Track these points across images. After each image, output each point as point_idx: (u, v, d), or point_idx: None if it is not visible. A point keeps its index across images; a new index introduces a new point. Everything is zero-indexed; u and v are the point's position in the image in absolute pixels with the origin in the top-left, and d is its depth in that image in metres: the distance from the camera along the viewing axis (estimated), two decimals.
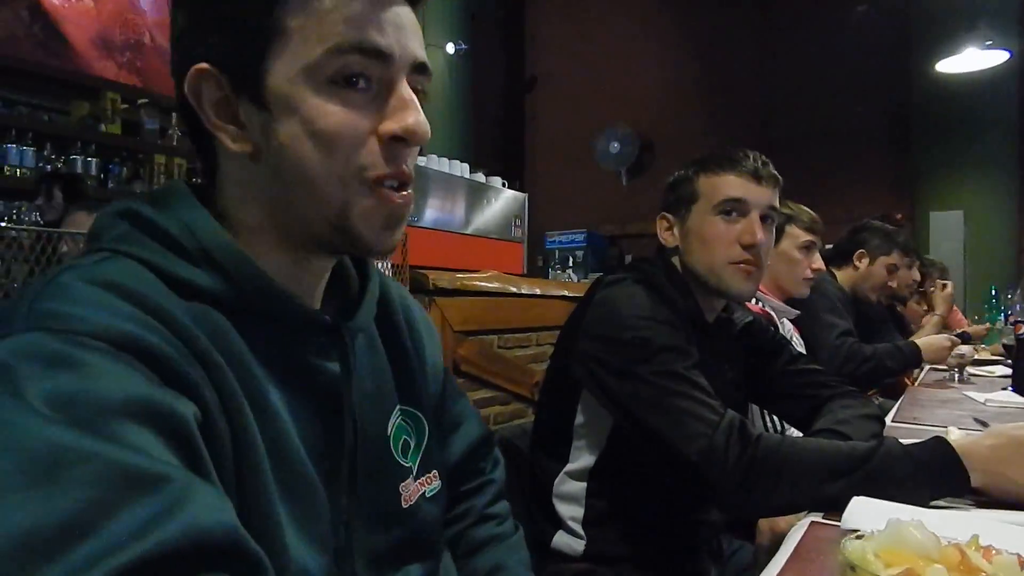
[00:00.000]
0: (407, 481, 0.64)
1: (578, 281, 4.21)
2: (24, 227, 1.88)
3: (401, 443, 0.65)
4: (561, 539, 1.10)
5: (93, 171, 3.63)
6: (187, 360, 0.45)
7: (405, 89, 0.53)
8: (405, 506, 0.63)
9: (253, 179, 0.54)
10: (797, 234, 1.87)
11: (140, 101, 3.92)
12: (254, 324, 0.52)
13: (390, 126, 0.52)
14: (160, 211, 0.52)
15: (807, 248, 1.87)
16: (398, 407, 0.66)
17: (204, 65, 0.52)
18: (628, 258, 6.05)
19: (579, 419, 1.11)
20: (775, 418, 1.58)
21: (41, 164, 3.43)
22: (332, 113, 0.51)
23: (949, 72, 4.50)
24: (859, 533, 0.44)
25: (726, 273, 1.11)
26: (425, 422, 0.68)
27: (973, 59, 4.27)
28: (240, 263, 0.52)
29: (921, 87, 5.18)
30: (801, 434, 1.24)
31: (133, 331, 0.43)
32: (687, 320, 1.09)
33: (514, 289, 2.60)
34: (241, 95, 0.52)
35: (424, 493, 0.66)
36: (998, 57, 4.23)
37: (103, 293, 0.45)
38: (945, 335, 2.30)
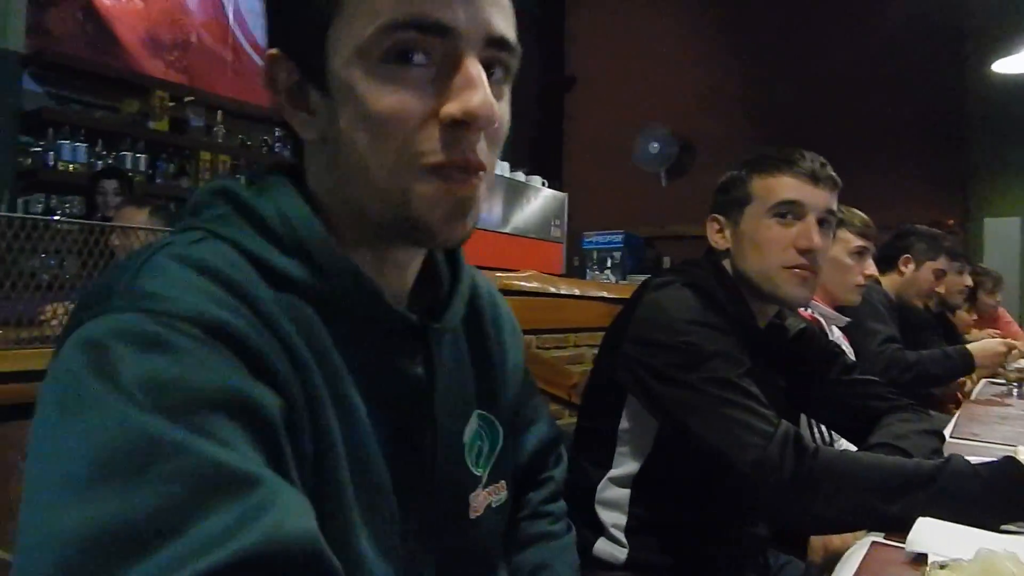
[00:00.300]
0: (476, 491, 0.62)
1: (616, 282, 4.17)
2: (76, 221, 1.93)
3: (475, 450, 0.63)
4: (603, 546, 1.08)
5: (142, 167, 3.72)
6: (276, 353, 0.44)
7: (471, 66, 0.47)
8: (472, 517, 0.61)
9: (324, 168, 0.52)
10: (849, 239, 1.80)
11: (187, 99, 4.01)
12: (340, 320, 0.50)
13: (449, 108, 0.47)
14: (258, 195, 0.51)
15: (859, 254, 1.80)
16: (476, 412, 0.63)
17: (274, 51, 0.50)
18: (666, 260, 5.97)
19: (623, 424, 1.09)
20: (823, 428, 1.53)
21: (92, 160, 3.52)
22: (384, 95, 0.46)
23: (1006, 72, 4.33)
24: (942, 562, 0.41)
25: (780, 278, 1.07)
26: (500, 428, 0.66)
27: None
28: (331, 256, 0.50)
29: (976, 88, 4.99)
30: (854, 447, 1.19)
31: (226, 318, 0.42)
32: (738, 326, 1.06)
33: (553, 289, 2.57)
34: (309, 81, 0.50)
35: (491, 504, 0.63)
36: None
37: (198, 277, 0.43)
38: (999, 340, 2.20)
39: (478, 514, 0.61)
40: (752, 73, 6.04)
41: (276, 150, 4.45)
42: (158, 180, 3.82)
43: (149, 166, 3.78)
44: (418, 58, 0.47)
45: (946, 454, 0.89)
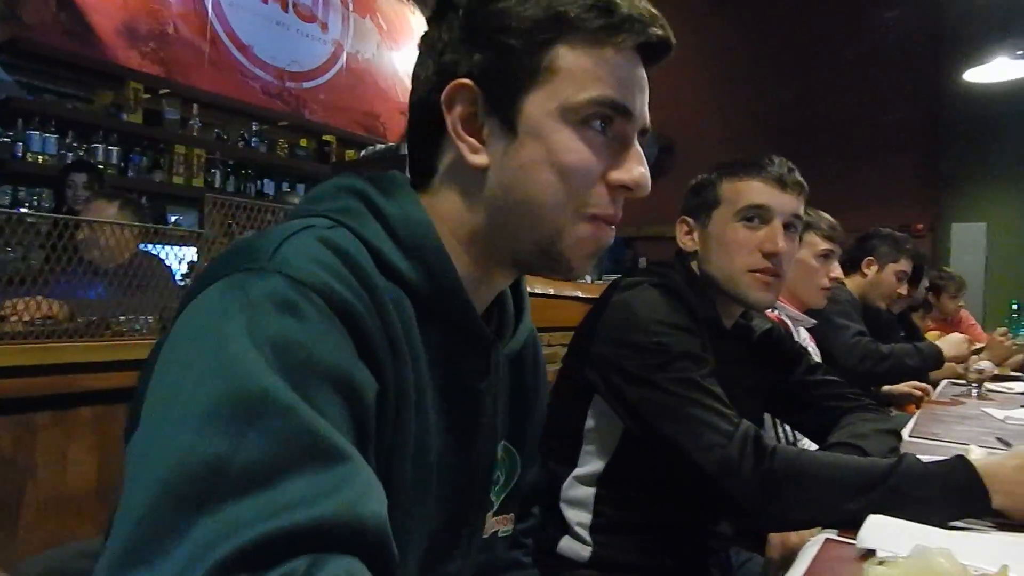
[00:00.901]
0: (488, 513, 0.66)
1: (592, 282, 4.19)
2: (42, 214, 1.89)
3: (495, 477, 0.66)
4: (567, 544, 1.09)
5: (114, 160, 3.66)
6: (382, 340, 0.48)
7: (637, 145, 0.58)
8: (485, 536, 0.65)
9: (479, 192, 0.57)
10: (815, 242, 1.83)
11: (162, 91, 3.95)
12: (433, 325, 0.55)
13: (622, 175, 0.57)
14: (385, 197, 0.56)
15: (825, 256, 1.83)
16: (503, 441, 0.67)
17: (467, 81, 0.56)
18: (642, 260, 6.01)
19: (589, 423, 1.10)
20: (787, 428, 1.56)
21: (62, 152, 3.46)
22: (577, 151, 0.55)
23: (977, 82, 4.42)
24: (882, 558, 0.42)
25: (744, 281, 1.09)
26: (520, 462, 0.70)
27: (1003, 69, 4.19)
28: (444, 266, 0.55)
29: (949, 97, 5.09)
30: (815, 445, 1.22)
31: (349, 298, 0.46)
32: (705, 326, 1.08)
33: (528, 289, 2.58)
34: (492, 114, 0.56)
35: (498, 532, 0.67)
36: None
37: (332, 256, 0.48)
38: (962, 336, 2.28)
39: (487, 535, 0.65)
40: (732, 78, 6.10)
41: (252, 145, 4.41)
42: (130, 173, 3.76)
43: (121, 159, 3.72)
44: (606, 129, 0.56)
45: (904, 453, 0.91)
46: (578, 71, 0.55)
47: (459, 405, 0.58)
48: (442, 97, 0.56)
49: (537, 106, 0.55)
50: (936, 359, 2.16)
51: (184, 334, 0.43)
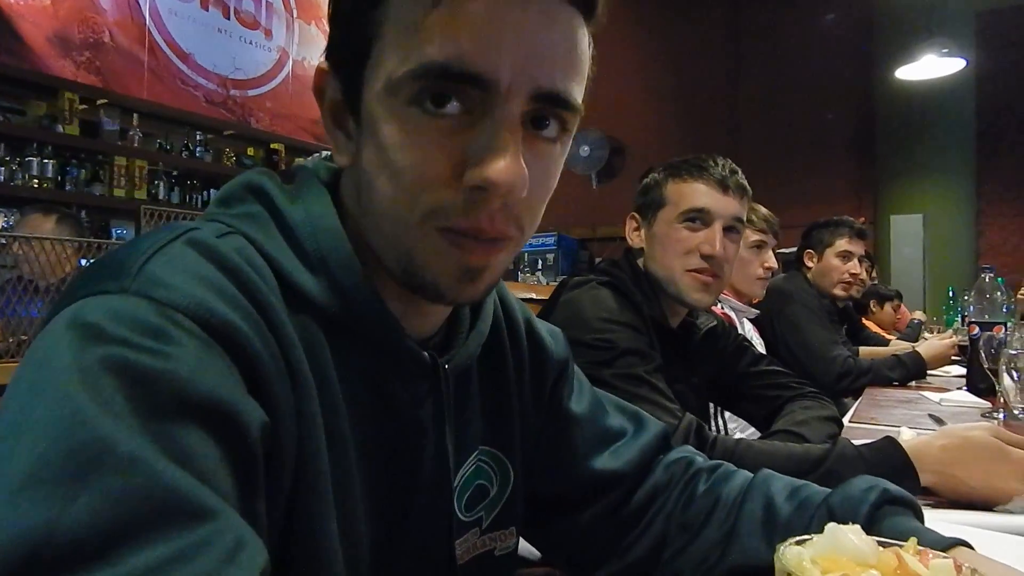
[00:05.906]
0: (464, 536, 0.56)
1: (547, 284, 4.22)
2: None
3: (472, 490, 0.57)
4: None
5: (50, 173, 3.53)
6: (278, 369, 0.41)
7: (504, 125, 0.42)
8: (460, 563, 0.56)
9: (352, 193, 0.50)
10: (746, 235, 1.89)
11: (100, 102, 3.83)
12: (349, 347, 0.47)
13: (470, 174, 0.42)
14: (291, 200, 0.48)
15: (757, 247, 1.88)
16: (478, 450, 0.58)
17: (324, 64, 0.48)
18: (598, 261, 6.08)
19: None
20: (721, 419, 1.59)
21: None
22: (407, 147, 0.43)
23: (908, 79, 4.61)
24: (799, 538, 0.44)
25: (683, 281, 1.11)
26: (511, 469, 0.60)
27: (931, 66, 4.38)
28: (354, 279, 0.47)
29: (883, 94, 5.31)
30: (759, 434, 1.25)
31: (233, 320, 0.39)
32: (650, 323, 1.10)
33: None
34: (347, 103, 0.47)
35: (493, 551, 0.58)
36: (955, 65, 4.35)
37: (214, 271, 0.40)
38: (947, 341, 2.19)
39: (466, 560, 0.56)
40: (682, 80, 6.23)
41: (197, 155, 4.31)
42: (68, 187, 3.63)
43: (58, 172, 3.59)
44: (451, 106, 0.42)
45: (839, 438, 0.94)
46: (406, 32, 0.42)
47: (391, 432, 0.50)
48: (313, 86, 0.49)
49: (369, 88, 0.44)
50: (919, 368, 2.07)
51: (16, 378, 0.35)
